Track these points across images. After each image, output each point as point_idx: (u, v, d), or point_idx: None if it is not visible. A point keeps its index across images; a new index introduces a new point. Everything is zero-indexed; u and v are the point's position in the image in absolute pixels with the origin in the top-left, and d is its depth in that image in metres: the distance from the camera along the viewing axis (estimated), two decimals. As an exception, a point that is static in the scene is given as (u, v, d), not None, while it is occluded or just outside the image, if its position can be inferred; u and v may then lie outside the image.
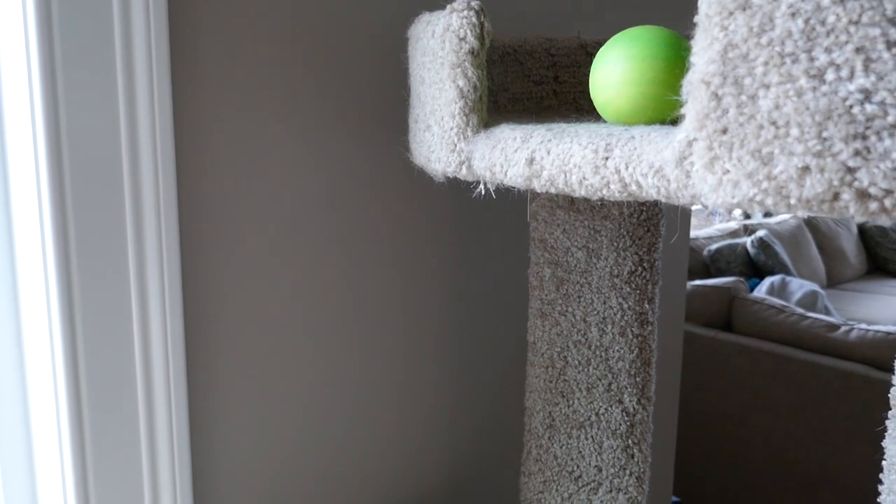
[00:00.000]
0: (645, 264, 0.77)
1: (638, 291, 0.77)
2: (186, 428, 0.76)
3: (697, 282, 2.43)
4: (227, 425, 0.80)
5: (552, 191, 0.53)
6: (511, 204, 1.01)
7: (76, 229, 0.66)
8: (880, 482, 0.58)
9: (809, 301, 2.84)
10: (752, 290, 2.96)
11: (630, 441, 0.79)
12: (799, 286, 2.91)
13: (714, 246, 3.20)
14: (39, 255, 0.66)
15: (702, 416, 2.31)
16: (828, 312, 2.86)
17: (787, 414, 2.12)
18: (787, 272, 3.26)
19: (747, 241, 3.31)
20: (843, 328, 2.06)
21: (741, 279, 2.45)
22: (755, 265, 3.27)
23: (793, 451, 2.12)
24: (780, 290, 2.88)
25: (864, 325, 2.06)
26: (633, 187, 0.47)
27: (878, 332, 2.01)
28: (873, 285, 3.71)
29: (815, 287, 2.92)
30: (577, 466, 0.80)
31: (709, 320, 2.38)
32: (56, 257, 0.66)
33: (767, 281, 2.93)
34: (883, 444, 0.57)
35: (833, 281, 3.74)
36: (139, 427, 0.73)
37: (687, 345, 2.34)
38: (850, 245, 3.90)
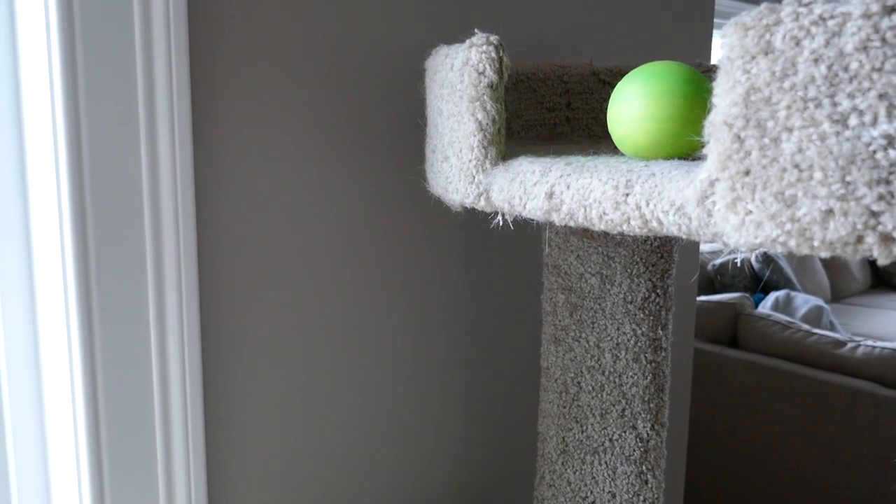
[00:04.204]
0: (658, 290, 0.77)
1: (651, 318, 0.77)
2: (202, 428, 0.76)
3: (703, 297, 2.43)
4: (241, 429, 0.80)
5: (572, 224, 0.53)
6: (525, 230, 1.02)
7: (95, 234, 0.67)
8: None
9: (814, 316, 2.84)
10: (756, 305, 2.96)
11: (644, 467, 0.79)
12: (804, 301, 2.91)
13: (718, 260, 3.21)
14: (58, 256, 0.67)
15: (707, 432, 2.31)
16: (833, 328, 2.86)
17: (793, 431, 2.11)
18: (792, 287, 3.26)
19: (752, 255, 3.31)
20: (850, 345, 2.06)
21: (746, 295, 2.45)
22: (760, 280, 3.27)
23: (799, 468, 2.11)
24: (785, 306, 2.88)
25: (870, 342, 2.06)
26: (654, 224, 0.47)
27: (884, 348, 2.01)
28: (878, 300, 3.71)
29: (820, 302, 2.92)
30: (591, 492, 0.80)
31: (714, 336, 2.37)
32: (75, 261, 0.66)
33: (772, 296, 2.93)
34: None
35: (837, 295, 3.73)
36: (155, 429, 0.73)
37: (693, 361, 2.33)
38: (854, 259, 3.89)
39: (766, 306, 2.89)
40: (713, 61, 1.24)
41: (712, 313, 2.37)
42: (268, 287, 0.80)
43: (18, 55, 0.67)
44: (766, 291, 3.22)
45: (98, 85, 0.65)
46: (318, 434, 0.86)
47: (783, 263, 3.30)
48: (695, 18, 1.18)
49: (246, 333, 0.79)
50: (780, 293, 2.94)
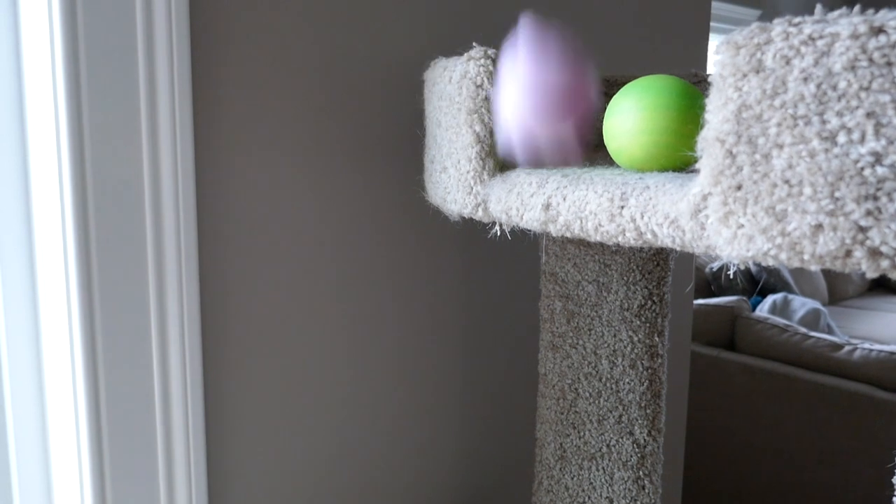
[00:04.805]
0: (655, 298, 0.78)
1: (648, 324, 0.78)
2: (202, 428, 0.77)
3: (701, 301, 2.44)
4: (242, 428, 0.81)
5: (568, 235, 0.54)
6: (523, 238, 1.03)
7: (97, 234, 0.68)
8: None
9: (812, 319, 2.85)
10: (754, 308, 2.97)
11: (641, 472, 0.80)
12: (801, 304, 2.92)
13: (716, 264, 3.21)
14: (60, 256, 0.68)
15: (705, 436, 2.32)
16: (830, 331, 2.87)
17: (791, 434, 2.12)
18: (789, 289, 3.27)
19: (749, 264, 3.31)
20: (847, 348, 2.07)
21: (744, 298, 2.46)
22: (757, 282, 3.28)
23: (797, 471, 2.12)
24: (783, 309, 2.89)
25: (867, 345, 2.07)
26: (649, 236, 0.48)
27: (881, 351, 2.02)
28: (875, 302, 3.72)
29: (818, 305, 2.93)
30: (589, 498, 0.81)
31: (712, 339, 2.38)
32: (77, 261, 0.67)
33: (770, 299, 2.94)
34: (894, 480, 0.58)
35: (835, 298, 3.74)
36: (156, 428, 0.74)
37: (690, 364, 2.34)
38: (851, 262, 3.89)
39: (763, 309, 2.90)
40: (710, 68, 1.25)
41: (710, 316, 2.38)
42: (268, 289, 0.80)
43: (22, 57, 0.68)
44: (763, 294, 3.23)
45: (101, 86, 0.66)
46: (318, 436, 0.87)
47: (780, 267, 3.31)
48: (691, 28, 1.19)
49: (246, 334, 0.80)
50: (778, 296, 2.95)
